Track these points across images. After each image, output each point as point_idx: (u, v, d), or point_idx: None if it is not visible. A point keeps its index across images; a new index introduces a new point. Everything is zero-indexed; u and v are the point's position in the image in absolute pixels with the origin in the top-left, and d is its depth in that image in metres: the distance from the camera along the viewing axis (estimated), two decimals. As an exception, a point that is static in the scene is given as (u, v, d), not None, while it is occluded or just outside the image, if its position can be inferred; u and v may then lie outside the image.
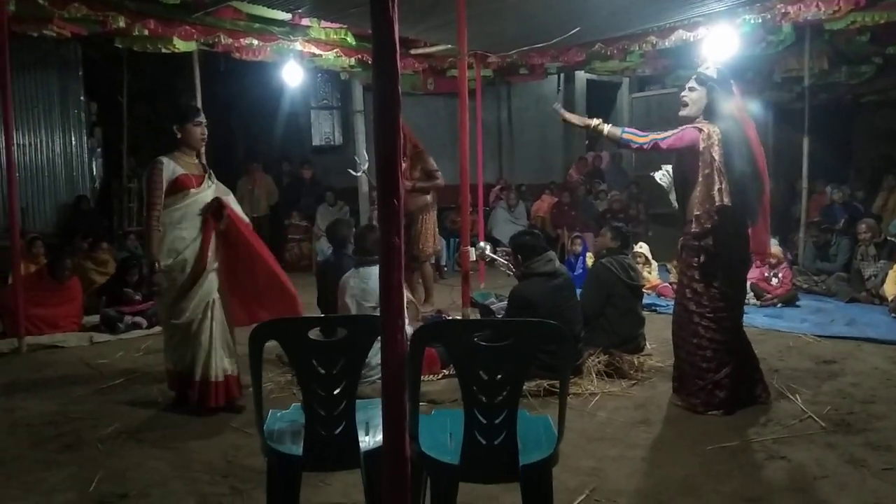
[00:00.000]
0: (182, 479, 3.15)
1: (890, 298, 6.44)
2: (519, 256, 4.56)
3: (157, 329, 6.19)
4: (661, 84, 11.45)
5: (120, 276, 6.66)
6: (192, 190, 3.91)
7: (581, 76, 12.25)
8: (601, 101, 12.98)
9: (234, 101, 11.59)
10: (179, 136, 3.95)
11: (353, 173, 6.80)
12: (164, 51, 6.73)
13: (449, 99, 10.34)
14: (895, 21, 6.34)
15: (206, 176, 4.04)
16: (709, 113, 3.82)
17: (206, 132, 4.03)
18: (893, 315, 6.17)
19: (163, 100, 10.33)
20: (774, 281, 7.03)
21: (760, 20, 6.26)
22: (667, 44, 7.01)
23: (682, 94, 3.92)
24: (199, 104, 7.12)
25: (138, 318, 6.24)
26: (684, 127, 3.81)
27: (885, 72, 9.02)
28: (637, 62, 8.81)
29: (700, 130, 3.74)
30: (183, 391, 4.02)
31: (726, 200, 3.71)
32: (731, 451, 3.36)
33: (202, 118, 4.00)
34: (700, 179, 3.74)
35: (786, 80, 9.43)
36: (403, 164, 5.95)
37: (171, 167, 3.86)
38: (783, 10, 6.08)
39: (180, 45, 6.67)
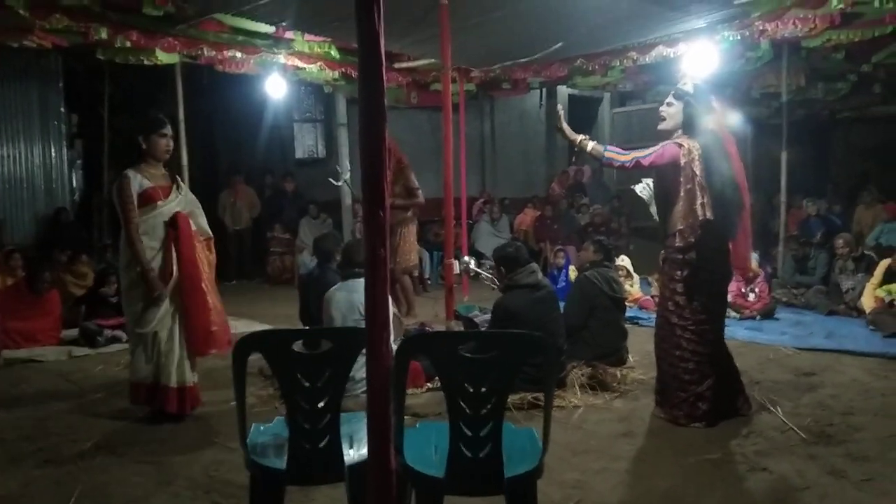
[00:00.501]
0: (163, 494, 3.11)
1: (867, 311, 6.54)
2: (502, 269, 4.58)
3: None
4: (642, 99, 11.60)
5: (98, 287, 6.59)
6: (159, 202, 3.96)
7: (563, 91, 12.34)
8: (583, 115, 13.09)
9: (217, 113, 11.56)
10: (144, 146, 3.97)
11: (334, 182, 6.81)
12: (146, 63, 6.70)
13: (432, 112, 10.38)
14: (869, 39, 6.48)
15: (174, 186, 4.06)
16: (687, 127, 3.88)
17: (172, 144, 4.08)
18: (871, 327, 6.25)
19: (142, 111, 10.28)
20: (752, 296, 7.11)
21: (739, 37, 6.36)
22: (647, 60, 7.10)
23: (661, 108, 4.00)
24: (182, 117, 7.10)
25: (118, 332, 6.15)
26: (665, 143, 3.86)
27: (860, 89, 9.20)
28: (618, 77, 8.91)
29: (680, 146, 3.79)
30: (153, 402, 4.00)
31: (709, 215, 3.76)
32: (714, 463, 3.38)
33: (167, 130, 4.03)
34: (682, 194, 3.79)
35: (764, 96, 9.59)
36: (391, 179, 5.97)
37: (137, 180, 3.92)
38: (761, 28, 6.19)
39: (163, 58, 6.64)
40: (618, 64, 7.50)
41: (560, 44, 6.20)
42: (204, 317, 4.00)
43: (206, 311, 4.01)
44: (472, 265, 5.90)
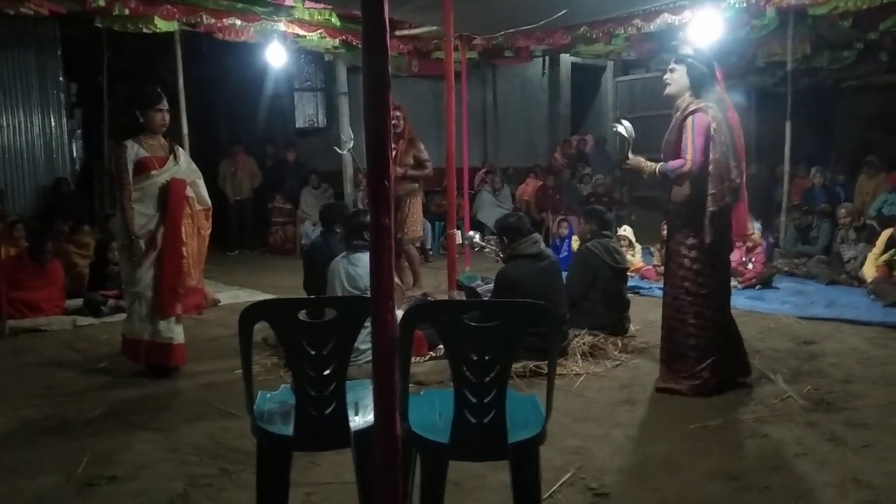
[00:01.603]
0: (170, 461, 3.16)
1: (869, 280, 6.56)
2: (504, 239, 4.58)
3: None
4: (646, 68, 11.47)
5: (100, 257, 6.61)
6: (153, 172, 4.18)
7: (566, 59, 12.24)
8: (586, 84, 13.00)
9: (217, 82, 11.46)
10: (142, 120, 4.18)
11: (339, 151, 6.80)
12: (144, 31, 6.62)
13: (434, 81, 10.30)
14: (877, 7, 6.39)
15: (172, 157, 4.26)
16: (695, 90, 3.85)
17: (168, 118, 4.26)
18: (872, 297, 6.28)
19: (142, 81, 10.19)
20: (750, 265, 7.14)
21: (745, 4, 6.29)
22: (652, 27, 7.01)
23: (665, 76, 3.97)
24: (181, 86, 7.04)
25: (122, 302, 6.17)
26: (693, 118, 3.75)
27: (866, 57, 9.10)
28: (622, 46, 8.81)
29: (705, 112, 3.75)
30: (148, 358, 4.28)
31: (742, 178, 3.78)
32: (713, 430, 3.42)
33: (163, 104, 4.22)
34: (713, 157, 3.74)
35: (769, 65, 9.48)
36: (399, 148, 5.93)
37: (134, 150, 4.15)
38: (768, -6, 6.12)
39: (161, 25, 6.56)
40: (622, 32, 7.41)
41: (564, 11, 6.12)
42: (175, 278, 4.23)
43: (180, 273, 4.23)
44: (477, 239, 5.91)
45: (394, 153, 5.90)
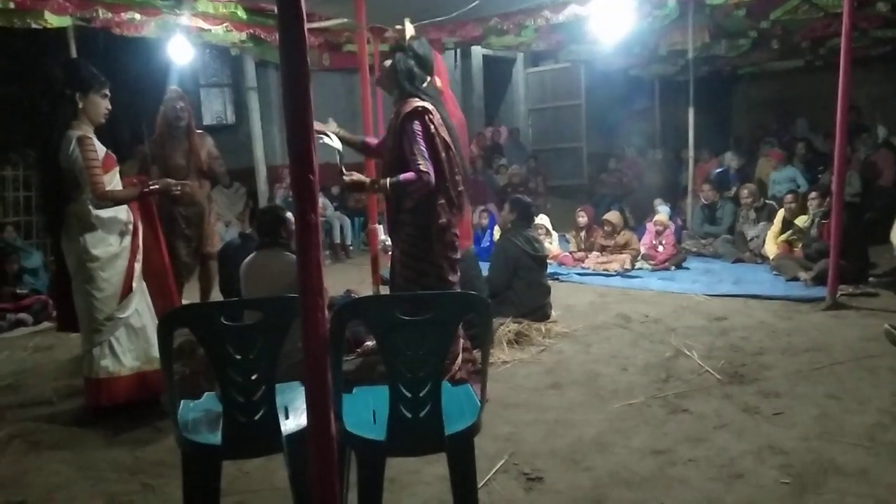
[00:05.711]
0: (87, 480, 2.98)
1: (771, 257, 6.93)
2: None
3: (45, 325, 5.82)
4: (554, 59, 11.71)
5: (-3, 270, 6.19)
6: (116, 169, 3.61)
7: (477, 52, 12.32)
8: (497, 76, 13.12)
9: (116, 80, 10.83)
10: (81, 105, 3.50)
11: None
12: (34, 26, 6.20)
13: (346, 75, 10.16)
14: (767, -2, 6.78)
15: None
16: (403, 84, 3.51)
17: (110, 107, 3.65)
18: (775, 272, 6.64)
19: (29, 81, 9.54)
20: (660, 248, 7.41)
21: (647, -5, 6.49)
22: (560, 18, 7.12)
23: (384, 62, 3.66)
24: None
25: (22, 315, 5.82)
26: (412, 125, 3.41)
27: (759, 45, 9.58)
28: (531, 37, 8.92)
29: (421, 114, 3.41)
30: (141, 394, 3.64)
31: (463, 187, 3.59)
32: (637, 408, 3.53)
33: (108, 91, 3.62)
34: (437, 163, 3.45)
35: (671, 54, 9.82)
36: (192, 146, 5.43)
37: (97, 143, 3.50)
38: (668, -15, 6.34)
39: (53, 20, 6.14)
40: (531, 23, 7.50)
41: (476, 1, 6.15)
42: (170, 279, 3.92)
43: (169, 275, 3.93)
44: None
45: (186, 151, 5.34)
